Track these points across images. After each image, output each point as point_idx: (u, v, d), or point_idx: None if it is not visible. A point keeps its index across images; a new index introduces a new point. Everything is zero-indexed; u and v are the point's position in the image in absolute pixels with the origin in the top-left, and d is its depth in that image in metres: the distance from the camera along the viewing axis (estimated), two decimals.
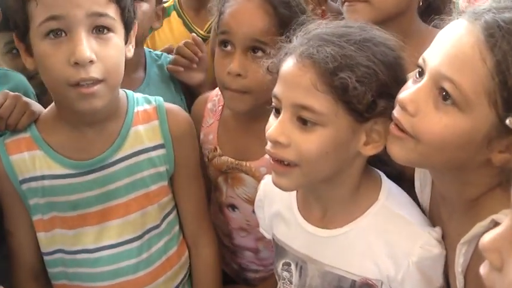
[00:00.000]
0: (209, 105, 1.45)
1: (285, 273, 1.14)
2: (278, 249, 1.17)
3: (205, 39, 1.80)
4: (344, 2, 1.31)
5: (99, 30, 1.06)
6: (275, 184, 1.01)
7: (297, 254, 1.11)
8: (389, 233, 1.01)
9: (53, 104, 1.21)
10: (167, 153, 1.24)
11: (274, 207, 1.18)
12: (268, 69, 1.04)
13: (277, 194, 1.14)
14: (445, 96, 0.84)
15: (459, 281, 0.93)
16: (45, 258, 1.23)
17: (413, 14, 1.32)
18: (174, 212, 1.31)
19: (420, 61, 0.90)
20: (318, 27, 1.00)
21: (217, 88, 1.39)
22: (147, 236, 1.23)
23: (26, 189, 1.17)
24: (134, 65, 1.54)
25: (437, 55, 0.86)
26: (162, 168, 1.24)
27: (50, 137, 1.19)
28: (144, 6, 1.50)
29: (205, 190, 1.36)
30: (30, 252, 1.23)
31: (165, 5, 1.78)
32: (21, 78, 1.41)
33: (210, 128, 1.43)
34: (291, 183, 0.99)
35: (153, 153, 1.23)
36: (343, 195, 1.04)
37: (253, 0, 1.23)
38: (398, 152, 0.93)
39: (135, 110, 1.23)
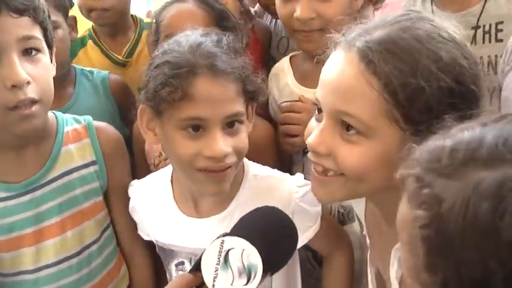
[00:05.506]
0: None
1: (180, 273, 1.20)
2: (166, 252, 1.23)
3: (123, 63, 1.84)
4: (294, 32, 1.38)
5: (28, 52, 1.09)
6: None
7: (189, 250, 1.17)
8: (266, 192, 1.15)
9: None
10: (100, 169, 1.28)
11: (151, 213, 1.24)
12: None
13: (149, 199, 1.25)
14: (348, 127, 0.86)
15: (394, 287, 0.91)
16: None
17: None
18: (111, 227, 1.34)
19: (315, 100, 0.92)
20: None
21: None
22: (86, 252, 1.26)
23: None
24: (63, 82, 1.55)
25: (327, 93, 0.88)
26: (96, 184, 1.27)
27: None
28: (60, 33, 1.51)
29: None
30: None
31: (80, 35, 1.79)
32: None
33: None
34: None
35: (85, 171, 1.26)
36: None
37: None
38: (325, 195, 0.95)
39: (65, 130, 1.25)
